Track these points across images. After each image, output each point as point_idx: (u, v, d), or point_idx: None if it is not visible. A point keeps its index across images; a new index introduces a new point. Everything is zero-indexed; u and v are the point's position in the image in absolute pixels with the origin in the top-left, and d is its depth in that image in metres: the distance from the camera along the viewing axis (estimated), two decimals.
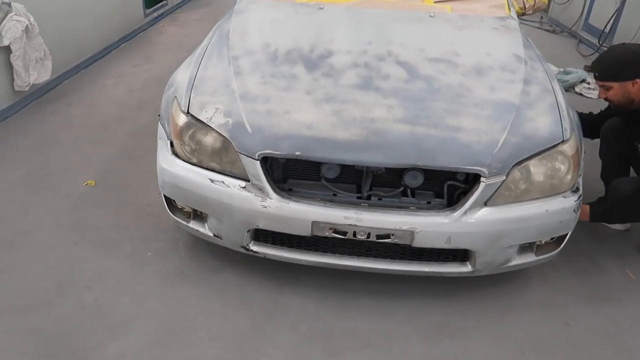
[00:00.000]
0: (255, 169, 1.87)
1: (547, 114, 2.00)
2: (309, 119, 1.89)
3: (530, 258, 2.03)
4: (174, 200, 2.14)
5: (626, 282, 2.33)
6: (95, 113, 3.76)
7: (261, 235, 2.03)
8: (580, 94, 4.54)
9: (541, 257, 2.05)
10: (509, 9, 2.79)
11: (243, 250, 2.07)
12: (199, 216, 2.12)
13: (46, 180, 2.91)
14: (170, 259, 2.33)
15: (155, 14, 6.11)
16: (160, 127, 2.23)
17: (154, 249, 2.40)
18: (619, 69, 2.27)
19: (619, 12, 5.40)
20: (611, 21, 5.44)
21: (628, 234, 2.63)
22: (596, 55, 5.60)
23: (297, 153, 1.83)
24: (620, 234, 2.63)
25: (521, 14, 2.89)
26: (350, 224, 1.85)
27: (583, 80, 4.70)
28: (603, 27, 5.52)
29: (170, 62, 4.70)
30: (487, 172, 1.80)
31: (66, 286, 2.17)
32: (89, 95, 4.08)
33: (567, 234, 2.03)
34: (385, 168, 1.87)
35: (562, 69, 4.87)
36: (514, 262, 2.00)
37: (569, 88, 4.59)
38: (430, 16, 2.59)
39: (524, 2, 2.99)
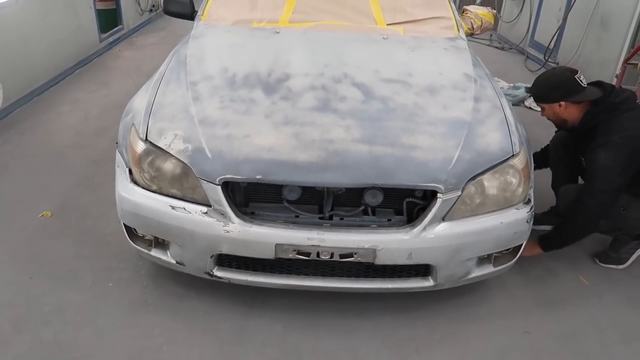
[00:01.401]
0: (217, 194, 1.87)
1: (497, 129, 2.09)
2: (269, 142, 1.91)
3: (488, 269, 2.10)
4: (134, 229, 2.11)
5: (580, 288, 2.43)
6: (50, 141, 3.67)
7: (225, 260, 2.03)
8: (530, 108, 4.75)
9: (499, 267, 2.12)
10: (458, 30, 2.91)
11: (207, 277, 2.05)
12: (160, 244, 2.10)
13: None
14: (132, 288, 2.29)
15: (111, 39, 6.05)
16: (118, 155, 2.21)
17: (115, 278, 2.34)
18: (546, 91, 2.46)
19: (561, 29, 5.71)
20: (554, 38, 5.74)
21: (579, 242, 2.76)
22: (543, 70, 5.89)
23: (258, 177, 1.84)
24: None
25: (470, 34, 3.01)
26: (313, 245, 1.87)
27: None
28: (547, 44, 5.81)
29: (128, 87, 4.65)
30: (443, 188, 1.86)
31: (23, 323, 2.09)
32: (43, 122, 3.98)
33: (522, 245, 2.11)
34: (346, 188, 1.91)
35: (512, 84, 5.09)
36: (473, 274, 2.07)
37: (518, 102, 4.80)
38: (383, 38, 2.68)
39: (472, 23, 3.11)
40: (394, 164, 1.88)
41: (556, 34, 5.73)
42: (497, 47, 7.01)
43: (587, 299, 2.36)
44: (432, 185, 1.86)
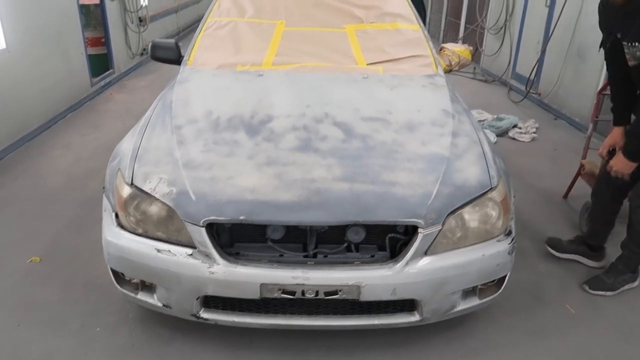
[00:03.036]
0: (201, 235, 1.90)
1: (475, 163, 2.15)
2: (252, 183, 1.95)
3: (474, 302, 2.12)
4: (121, 273, 2.12)
5: (566, 317, 2.44)
6: (41, 185, 3.70)
7: (211, 302, 2.04)
8: (513, 139, 4.85)
9: (485, 300, 2.14)
10: (436, 67, 3.01)
11: (194, 319, 2.05)
12: (147, 287, 2.11)
13: None
14: (120, 333, 2.28)
15: (102, 83, 6.16)
16: (105, 199, 2.24)
17: (103, 323, 2.34)
18: None
19: (540, 61, 5.88)
20: (534, 70, 5.91)
21: (564, 270, 2.79)
22: (526, 101, 6.03)
23: (242, 217, 1.88)
24: (556, 270, 2.78)
25: (448, 71, 3.11)
26: (298, 283, 1.89)
27: (515, 126, 5.03)
28: (528, 75, 5.98)
29: (118, 130, 4.71)
30: (423, 223, 1.90)
31: None
32: (35, 167, 4.02)
33: (506, 276, 2.14)
34: (329, 226, 1.94)
35: (495, 116, 5.21)
36: (459, 308, 2.08)
37: (502, 133, 4.90)
38: (363, 77, 2.77)
39: (449, 60, 3.22)
40: (374, 201, 1.92)
41: (536, 66, 5.90)
42: (480, 80, 7.18)
43: (575, 328, 2.37)
44: (412, 220, 1.90)
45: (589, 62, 5.01)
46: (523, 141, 4.78)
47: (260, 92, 2.57)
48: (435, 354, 2.20)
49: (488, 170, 2.12)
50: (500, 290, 2.16)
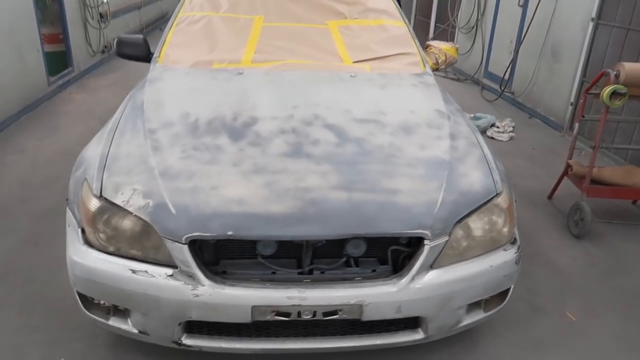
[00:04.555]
0: (183, 254, 1.68)
1: (477, 168, 2.01)
2: (239, 194, 1.75)
3: (479, 315, 1.98)
4: (90, 297, 1.87)
5: (568, 325, 2.34)
6: None
7: (195, 326, 1.82)
8: (492, 138, 4.79)
9: (490, 312, 2.00)
10: (424, 66, 2.88)
11: (175, 346, 1.83)
12: (120, 312, 1.87)
13: None
14: None
15: (60, 82, 5.77)
16: (68, 213, 1.99)
17: (68, 351, 2.08)
18: None
19: (514, 60, 5.87)
20: (508, 69, 5.90)
21: (558, 274, 2.70)
22: (499, 100, 6.02)
23: (229, 233, 1.67)
24: (550, 274, 2.68)
25: (435, 69, 2.98)
26: (294, 304, 1.70)
27: (493, 125, 4.98)
28: (502, 75, 5.96)
29: (79, 133, 4.39)
30: (430, 234, 1.74)
31: None
32: None
33: (510, 288, 2.01)
34: (326, 240, 1.76)
35: (472, 115, 5.15)
36: (464, 322, 1.94)
37: (480, 132, 4.83)
38: (351, 76, 2.60)
39: (436, 58, 3.09)
40: (376, 211, 1.75)
41: (510, 65, 5.89)
42: (453, 79, 7.15)
43: (576, 339, 2.27)
44: (418, 232, 1.74)
45: (564, 62, 5.01)
46: (502, 140, 4.73)
47: (241, 92, 2.36)
48: None
49: (492, 175, 1.99)
50: (505, 302, 2.03)
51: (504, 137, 4.78)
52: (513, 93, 5.94)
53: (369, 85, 2.54)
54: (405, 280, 1.75)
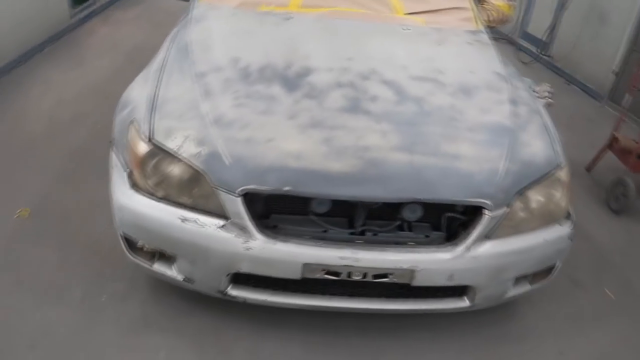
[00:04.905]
0: (236, 206, 1.64)
1: (539, 137, 1.92)
2: (296, 148, 1.68)
3: (525, 288, 1.95)
4: (135, 240, 1.84)
5: (607, 303, 2.32)
6: (21, 129, 3.30)
7: (241, 278, 1.79)
8: None
9: (535, 286, 1.97)
10: (478, 22, 2.72)
11: (219, 295, 1.82)
12: (165, 257, 1.84)
13: None
14: (130, 303, 2.04)
15: (82, 14, 5.57)
16: (112, 155, 1.94)
17: (109, 291, 2.08)
18: None
19: (556, 22, 5.60)
20: (549, 31, 5.63)
21: (597, 249, 2.66)
22: (536, 63, 5.79)
23: (287, 188, 1.61)
24: (589, 248, 2.64)
25: (487, 27, 2.82)
26: (346, 265, 1.66)
27: (531, 89, 4.80)
28: (541, 37, 5.71)
29: (105, 68, 4.28)
30: (491, 204, 1.68)
31: (4, 346, 1.82)
32: (11, 107, 3.59)
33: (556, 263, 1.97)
34: (383, 202, 1.70)
35: None
36: (510, 294, 1.91)
37: None
38: (404, 29, 2.46)
39: (488, 15, 2.92)
40: (437, 176, 1.68)
41: (551, 27, 5.63)
42: None
43: (615, 316, 2.25)
44: (479, 201, 1.68)
45: (611, 27, 4.77)
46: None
47: (291, 38, 2.24)
48: (478, 340, 2.04)
49: (552, 145, 1.90)
50: (551, 275, 2.00)
51: (541, 102, 4.61)
52: (551, 56, 5.71)
53: (424, 41, 2.41)
54: (460, 248, 1.71)
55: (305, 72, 2.00)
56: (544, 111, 2.10)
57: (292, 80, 1.95)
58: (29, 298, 2.02)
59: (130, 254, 1.88)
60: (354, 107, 1.84)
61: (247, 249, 1.65)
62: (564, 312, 2.24)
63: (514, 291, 1.92)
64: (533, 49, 5.94)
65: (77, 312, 1.98)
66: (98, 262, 2.22)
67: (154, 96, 1.88)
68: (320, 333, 1.98)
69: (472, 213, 1.75)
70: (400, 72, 2.08)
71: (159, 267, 1.86)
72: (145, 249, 1.87)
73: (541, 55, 5.75)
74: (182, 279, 1.82)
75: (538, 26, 5.97)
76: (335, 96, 1.88)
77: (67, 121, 3.44)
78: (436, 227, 1.82)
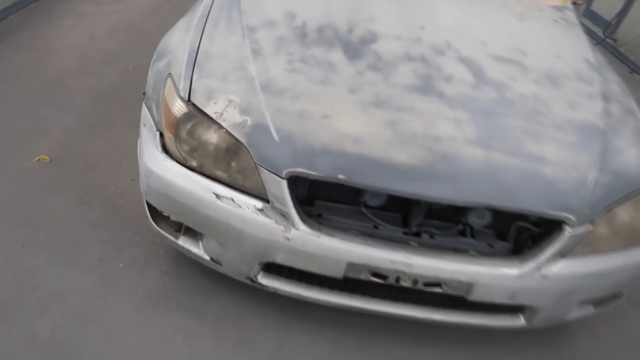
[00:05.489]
0: (280, 189, 1.42)
1: (634, 143, 1.64)
2: (356, 129, 1.44)
3: (588, 311, 1.72)
4: (160, 210, 1.66)
5: None
6: (49, 62, 3.11)
7: (274, 266, 1.60)
8: None
9: (600, 309, 1.75)
10: None
11: (248, 282, 1.64)
12: (192, 231, 1.66)
13: None
14: (149, 274, 1.87)
15: None
16: (144, 109, 1.72)
17: (127, 257, 1.92)
18: None
19: (628, 3, 5.09)
20: (619, 12, 5.14)
21: None
22: (599, 46, 5.32)
23: (341, 177, 1.39)
24: None
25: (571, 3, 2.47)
26: (397, 269, 1.45)
27: None
28: (608, 17, 5.21)
29: (141, 5, 4.02)
30: (574, 220, 1.43)
31: (12, 308, 1.69)
32: (41, 36, 3.39)
33: None
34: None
35: None
36: (571, 316, 1.69)
37: None
38: None
39: None
40: (516, 180, 1.43)
41: (622, 8, 5.12)
42: None
43: None
44: (562, 214, 1.43)
45: None
46: None
47: None
48: (522, 357, 1.85)
49: None
50: (618, 299, 1.76)
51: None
52: (616, 40, 5.23)
53: (504, 12, 2.09)
54: (530, 265, 1.47)
55: (371, 37, 1.73)
56: (639, 111, 1.81)
57: (355, 46, 1.69)
58: (44, 255, 1.87)
59: (155, 223, 1.70)
60: (425, 86, 1.58)
61: (287, 239, 1.45)
62: (620, 336, 2.01)
63: (576, 313, 1.70)
64: (597, 29, 5.44)
65: (91, 277, 1.83)
66: (118, 222, 2.05)
67: (196, 49, 1.64)
68: (352, 332, 1.80)
69: (548, 225, 1.51)
70: (479, 48, 1.79)
71: (184, 243, 1.68)
72: (171, 220, 1.69)
73: (607, 39, 5.27)
74: (208, 259, 1.64)
75: (605, 4, 5.45)
76: (404, 71, 1.62)
77: (97, 59, 3.23)
78: (501, 235, 1.59)
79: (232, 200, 1.48)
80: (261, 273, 1.61)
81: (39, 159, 2.31)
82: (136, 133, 1.72)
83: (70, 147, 2.42)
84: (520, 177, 1.44)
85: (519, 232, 1.57)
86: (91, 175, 2.28)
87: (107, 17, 3.81)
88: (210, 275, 1.87)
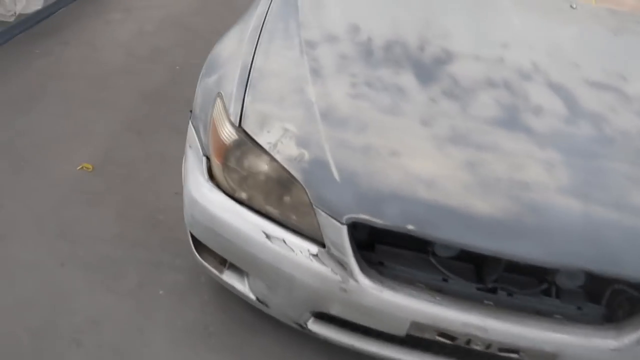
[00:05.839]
0: (339, 235, 1.25)
1: None
2: (429, 171, 1.25)
3: None
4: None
5: None
6: (95, 59, 3.03)
7: (326, 314, 1.44)
8: None
9: None
10: None
11: (296, 327, 1.48)
12: (237, 269, 1.51)
13: (28, 154, 2.26)
14: (189, 304, 1.75)
15: None
16: (191, 129, 1.58)
17: (167, 283, 1.80)
18: None
19: None
20: None
21: None
22: None
23: (410, 227, 1.20)
24: None
25: None
26: (469, 333, 1.26)
27: None
28: None
29: (191, 3, 3.88)
30: None
31: (47, 336, 1.59)
32: (88, 32, 3.32)
33: None
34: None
35: None
36: None
37: None
38: (571, 7, 1.87)
39: None
40: (620, 241, 1.21)
41: None
42: None
43: None
44: None
45: None
46: None
47: (427, 7, 1.74)
48: None
49: None
50: None
51: None
52: None
53: (596, 27, 1.83)
54: (630, 337, 1.25)
55: (446, 57, 1.52)
56: None
57: (428, 67, 1.48)
58: (81, 276, 1.78)
59: (198, 254, 1.57)
60: (511, 119, 1.36)
61: (344, 290, 1.28)
62: None
63: None
64: None
65: (130, 303, 1.72)
66: (159, 241, 1.94)
67: (249, 66, 1.48)
68: None
69: None
70: (571, 71, 1.55)
71: (228, 278, 1.53)
72: (217, 252, 1.54)
73: None
74: (254, 299, 1.49)
75: None
76: (485, 99, 1.41)
77: (145, 57, 3.13)
78: (592, 296, 1.37)
79: (284, 241, 1.31)
80: (312, 319, 1.45)
81: (82, 167, 2.22)
82: (181, 139, 1.61)
83: (112, 153, 2.32)
84: (624, 237, 1.21)
85: (616, 294, 1.34)
86: (132, 185, 2.17)
87: (155, 13, 3.70)
88: (255, 310, 1.72)
